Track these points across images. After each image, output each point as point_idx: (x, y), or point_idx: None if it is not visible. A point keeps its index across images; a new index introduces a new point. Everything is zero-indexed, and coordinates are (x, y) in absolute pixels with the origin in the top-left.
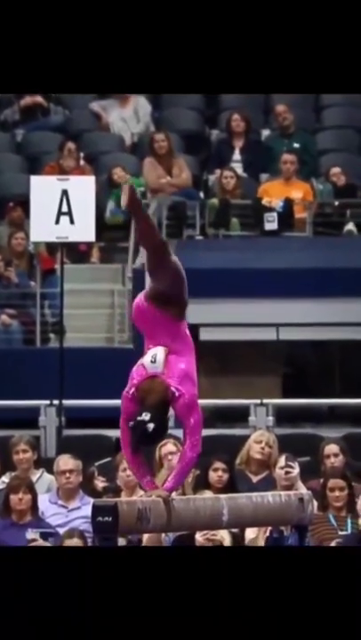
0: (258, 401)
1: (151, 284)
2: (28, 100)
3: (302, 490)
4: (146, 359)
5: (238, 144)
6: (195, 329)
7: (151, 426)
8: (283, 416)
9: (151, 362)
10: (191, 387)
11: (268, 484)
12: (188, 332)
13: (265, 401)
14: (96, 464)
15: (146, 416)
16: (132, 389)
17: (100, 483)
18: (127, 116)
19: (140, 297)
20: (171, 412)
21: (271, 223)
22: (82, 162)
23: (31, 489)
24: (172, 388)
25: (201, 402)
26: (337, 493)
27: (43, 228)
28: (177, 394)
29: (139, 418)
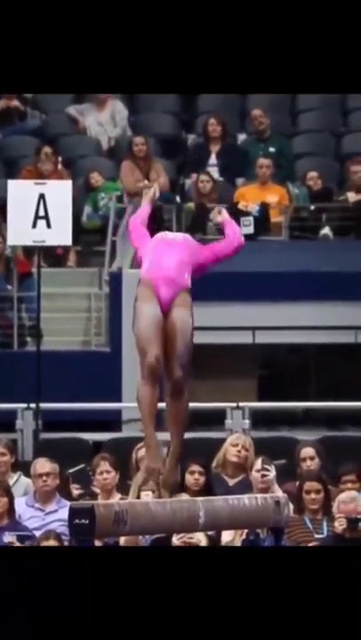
0: (234, 404)
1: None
2: (3, 103)
3: (278, 493)
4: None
5: (215, 148)
6: None
7: None
8: (259, 419)
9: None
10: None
11: (245, 486)
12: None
13: (241, 404)
14: (70, 471)
15: None
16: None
17: (74, 490)
18: (104, 120)
19: None
20: None
21: (247, 227)
22: (59, 166)
23: (8, 492)
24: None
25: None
26: (313, 496)
27: (20, 231)
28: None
29: None
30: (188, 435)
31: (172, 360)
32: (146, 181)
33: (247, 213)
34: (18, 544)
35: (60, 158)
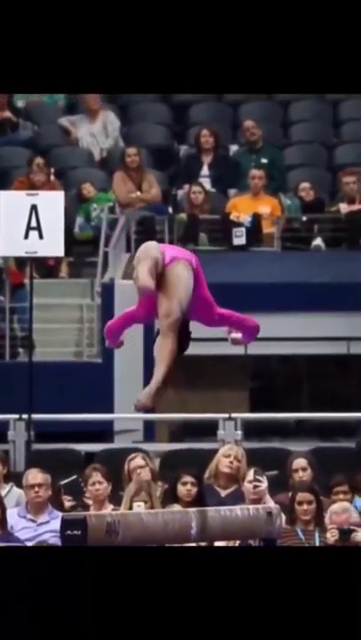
0: (226, 415)
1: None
2: None
3: (270, 503)
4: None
5: (207, 159)
6: None
7: None
8: (251, 430)
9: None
10: (211, 309)
11: (237, 497)
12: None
13: (233, 415)
14: (61, 483)
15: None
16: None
17: (66, 502)
18: (96, 131)
19: None
20: None
21: (239, 238)
22: (51, 177)
23: (0, 503)
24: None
25: (169, 416)
26: (305, 507)
27: (12, 242)
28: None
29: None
30: (180, 445)
31: (172, 300)
32: (138, 192)
33: (239, 224)
34: None
35: (52, 169)
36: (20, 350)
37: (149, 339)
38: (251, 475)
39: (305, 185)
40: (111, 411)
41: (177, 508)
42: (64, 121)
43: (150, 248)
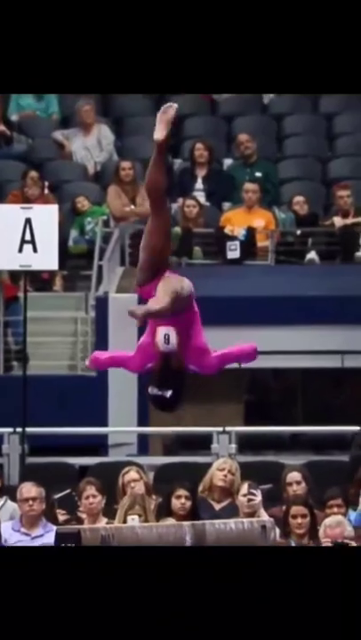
0: (220, 428)
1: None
2: None
3: (265, 517)
4: (159, 340)
5: (201, 173)
6: None
7: (169, 393)
8: (245, 443)
9: (165, 343)
10: (206, 356)
11: (231, 511)
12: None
13: (227, 428)
14: (55, 497)
15: (166, 393)
16: (148, 365)
17: (60, 516)
18: (90, 144)
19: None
20: None
21: (233, 252)
22: (45, 190)
23: None
24: (192, 368)
25: (164, 429)
26: (299, 520)
27: (6, 256)
28: (196, 369)
29: (157, 392)
30: (174, 459)
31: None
32: (132, 206)
33: (233, 238)
34: None
35: (46, 183)
36: (14, 363)
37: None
38: (245, 488)
39: (299, 198)
40: (105, 424)
41: (171, 521)
42: (58, 134)
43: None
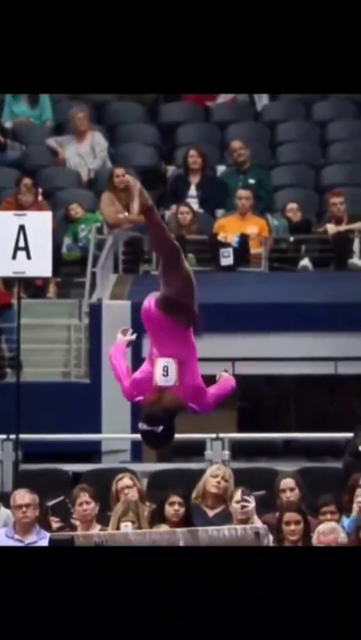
0: (214, 435)
1: (161, 290)
2: None
3: (258, 524)
4: (157, 372)
5: (194, 180)
6: None
7: (160, 428)
8: (238, 450)
9: (163, 375)
10: (203, 395)
11: (225, 518)
12: (193, 339)
13: (221, 435)
14: (48, 504)
15: (157, 428)
16: (139, 397)
17: (53, 523)
18: (84, 151)
19: (150, 301)
20: None
21: (227, 258)
22: (39, 197)
23: None
24: (190, 405)
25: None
26: (293, 527)
27: None
28: (195, 408)
29: (147, 428)
30: (167, 466)
31: None
32: (126, 213)
33: (227, 245)
34: None
35: (39, 190)
36: (8, 370)
37: (137, 359)
38: (238, 495)
39: (292, 205)
40: (99, 431)
41: (164, 528)
42: (52, 141)
43: None
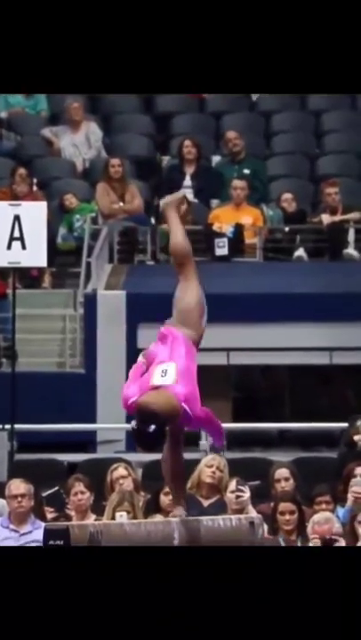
0: None
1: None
2: None
3: (253, 514)
4: (155, 373)
5: (189, 170)
6: None
7: (152, 428)
8: (233, 440)
9: (161, 376)
10: (197, 402)
11: (219, 507)
12: (195, 353)
13: None
14: (43, 494)
15: (149, 427)
16: (134, 397)
17: (48, 514)
18: (79, 141)
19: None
20: None
21: (222, 249)
22: (34, 187)
23: None
24: (185, 407)
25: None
26: (287, 517)
27: None
28: (189, 412)
29: (140, 426)
30: (160, 456)
31: None
32: (121, 203)
33: (221, 235)
34: None
35: (34, 180)
36: (3, 360)
37: (132, 349)
38: (233, 485)
39: (287, 196)
40: (94, 421)
41: (159, 518)
42: (47, 132)
43: None
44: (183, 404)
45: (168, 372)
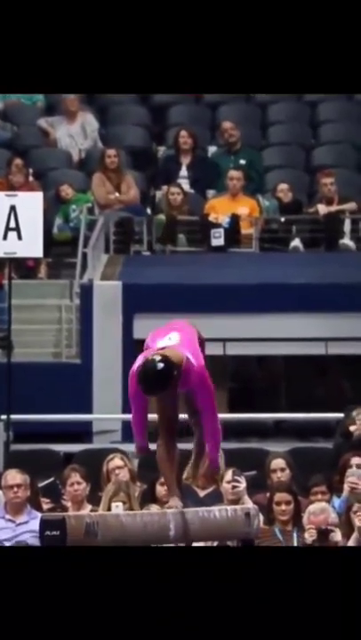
0: None
1: None
2: None
3: (249, 504)
4: (160, 341)
5: (185, 160)
6: (140, 345)
7: (161, 365)
8: (229, 431)
9: (167, 341)
10: (200, 358)
11: (216, 498)
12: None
13: None
14: (39, 485)
15: (157, 357)
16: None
17: (44, 504)
18: (75, 132)
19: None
20: None
21: (218, 239)
22: (30, 178)
23: None
24: (188, 355)
25: (148, 416)
26: (283, 507)
27: None
28: (193, 361)
29: (150, 357)
30: (155, 446)
31: None
32: (117, 194)
33: (217, 225)
34: None
35: (30, 170)
36: None
37: (128, 340)
38: (229, 475)
39: (283, 186)
40: (90, 411)
41: (155, 508)
42: (43, 122)
43: None
44: (188, 355)
45: (172, 338)
